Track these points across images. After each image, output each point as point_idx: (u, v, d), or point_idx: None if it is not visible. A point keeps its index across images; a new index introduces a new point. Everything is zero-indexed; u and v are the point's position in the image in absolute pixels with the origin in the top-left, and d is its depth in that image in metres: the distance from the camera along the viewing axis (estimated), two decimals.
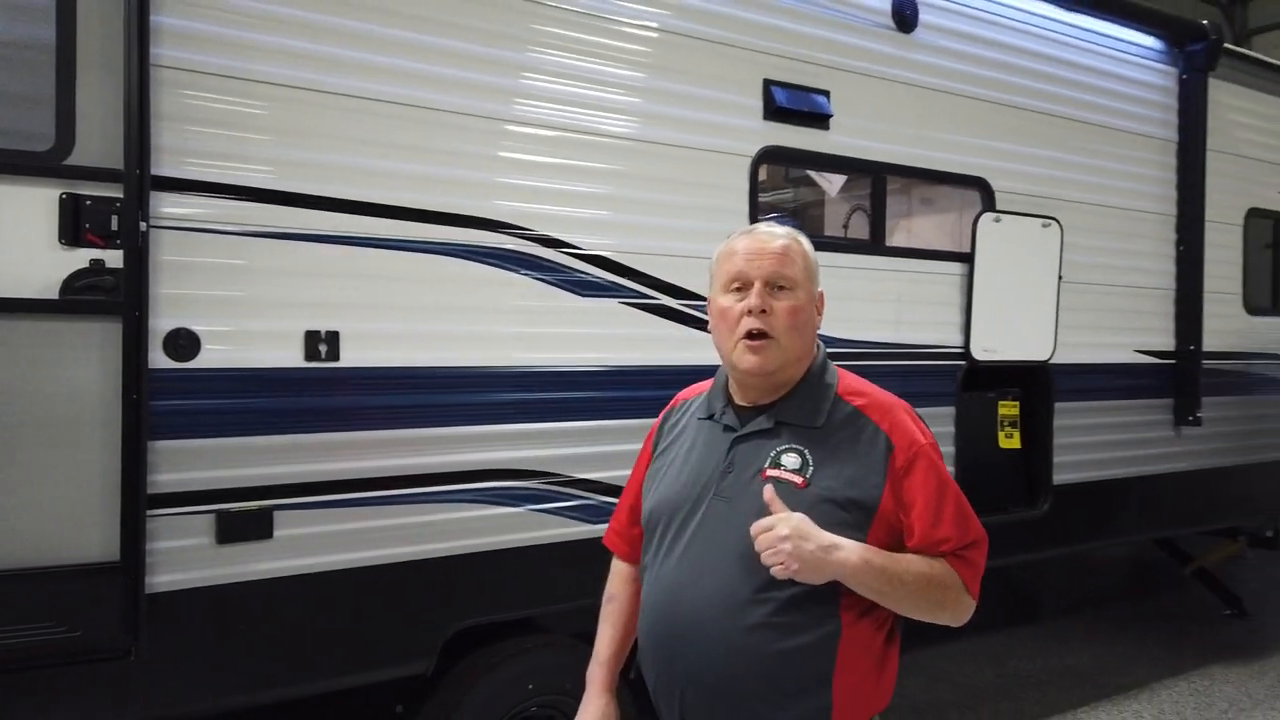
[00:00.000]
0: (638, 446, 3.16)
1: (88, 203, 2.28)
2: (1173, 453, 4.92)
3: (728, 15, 3.39)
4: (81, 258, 2.29)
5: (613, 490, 3.08)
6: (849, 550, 1.59)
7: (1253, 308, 5.37)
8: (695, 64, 3.31)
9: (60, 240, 2.26)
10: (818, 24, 3.63)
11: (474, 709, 2.93)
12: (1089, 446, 4.52)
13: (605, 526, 3.07)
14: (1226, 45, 4.98)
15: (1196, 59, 4.84)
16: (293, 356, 2.60)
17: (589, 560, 3.00)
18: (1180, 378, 4.89)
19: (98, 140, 2.30)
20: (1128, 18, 4.67)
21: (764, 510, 1.60)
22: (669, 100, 3.25)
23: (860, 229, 4.46)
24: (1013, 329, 4.20)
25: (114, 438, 2.30)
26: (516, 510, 2.95)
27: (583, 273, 3.06)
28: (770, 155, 3.54)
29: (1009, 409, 4.35)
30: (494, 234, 2.90)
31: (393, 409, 2.74)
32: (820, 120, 3.61)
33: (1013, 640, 5.69)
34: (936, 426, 1.82)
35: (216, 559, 2.50)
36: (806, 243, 1.80)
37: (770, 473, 1.68)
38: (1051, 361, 4.32)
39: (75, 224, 2.27)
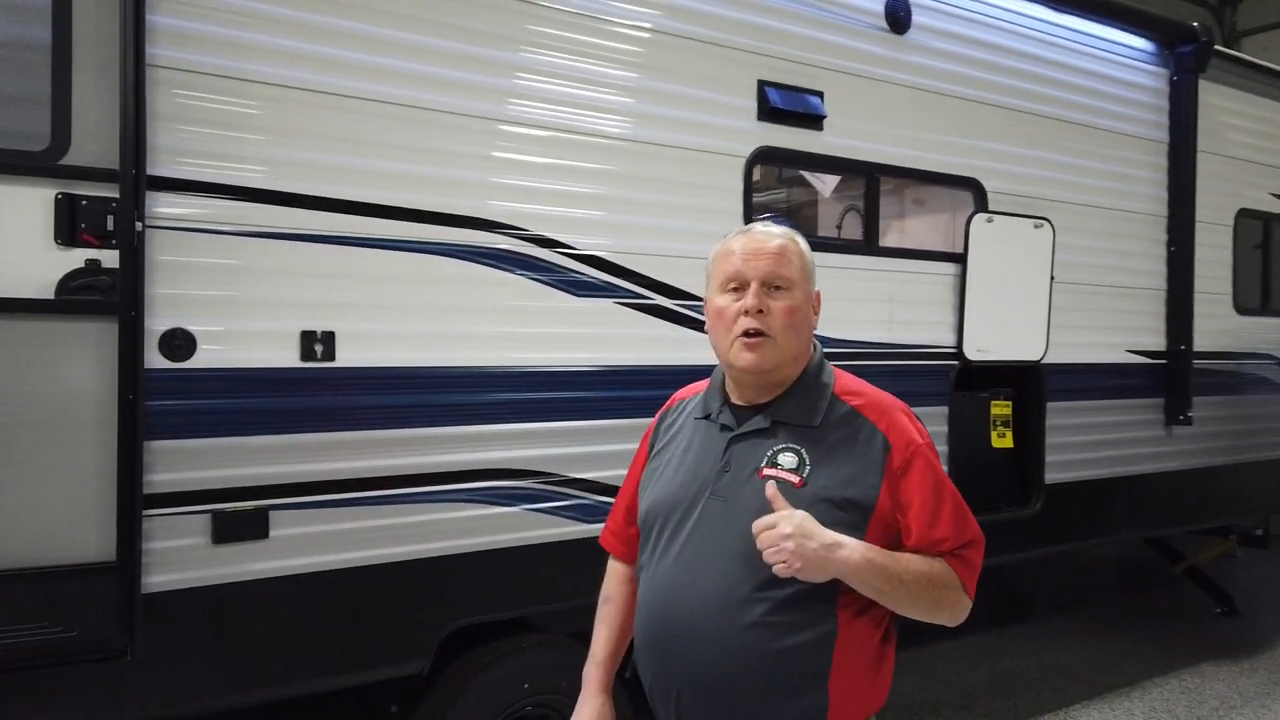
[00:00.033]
0: (633, 446, 3.16)
1: (83, 202, 2.28)
2: (1164, 452, 4.95)
3: (722, 16, 3.40)
4: (77, 258, 2.29)
5: (608, 490, 3.09)
6: (851, 549, 1.59)
7: (1243, 308, 5.41)
8: (690, 65, 3.33)
9: (56, 240, 2.26)
10: (811, 25, 3.64)
11: (469, 708, 2.94)
12: (1081, 446, 4.54)
13: (600, 526, 3.08)
14: (1217, 47, 5.01)
15: (1187, 61, 4.87)
16: (288, 356, 2.60)
17: (584, 560, 3.01)
18: (1171, 377, 4.92)
19: (93, 140, 2.30)
20: (1119, 20, 4.70)
21: (761, 509, 1.60)
22: (663, 101, 3.26)
23: (853, 229, 4.47)
24: (1005, 329, 4.23)
25: (110, 438, 2.30)
26: (511, 510, 2.96)
27: (578, 273, 3.07)
28: (764, 156, 3.55)
29: (1001, 409, 4.37)
30: (489, 234, 2.90)
31: (389, 409, 2.74)
32: (814, 121, 3.63)
33: (1005, 638, 5.71)
34: (930, 426, 1.82)
35: (212, 559, 2.50)
36: (803, 242, 1.80)
37: (767, 472, 1.68)
38: (1044, 361, 4.34)
39: (71, 224, 2.27)
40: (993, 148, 4.21)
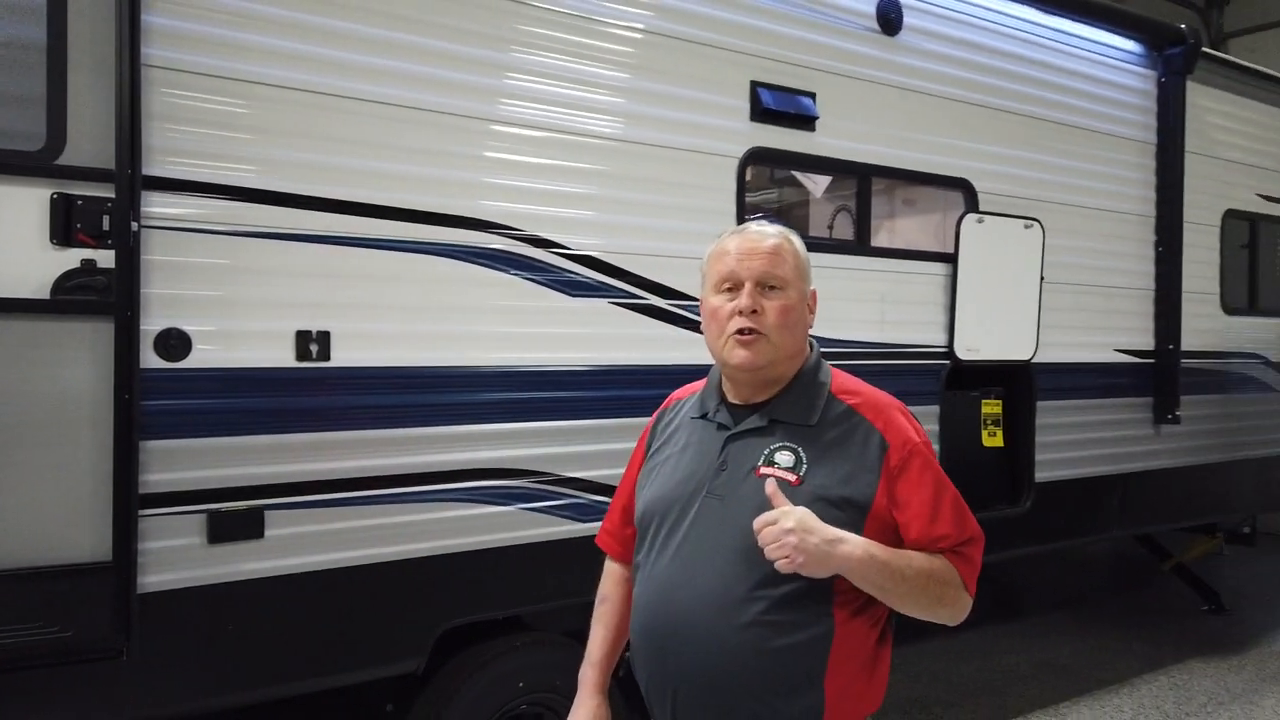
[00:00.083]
0: (627, 445, 3.17)
1: (79, 203, 2.28)
2: (1152, 450, 4.99)
3: (715, 17, 3.42)
4: (73, 258, 2.28)
5: (602, 489, 3.11)
6: (853, 544, 1.59)
7: (1230, 308, 5.45)
8: (683, 66, 3.34)
9: (52, 240, 2.26)
10: (804, 26, 3.66)
11: (464, 707, 2.95)
12: (1070, 444, 4.58)
13: (595, 525, 3.09)
14: (1204, 49, 5.06)
15: (1175, 62, 4.91)
16: (284, 356, 2.60)
17: (578, 559, 3.03)
18: (1159, 377, 4.97)
19: (89, 140, 2.30)
20: (1108, 22, 4.74)
21: (759, 508, 1.60)
22: (657, 102, 3.28)
23: (845, 229, 4.50)
24: (996, 329, 4.26)
25: (105, 438, 2.30)
26: (506, 509, 2.97)
27: (572, 273, 3.08)
28: (757, 156, 3.57)
29: (992, 408, 4.40)
30: (484, 234, 2.91)
31: (384, 408, 2.75)
32: (806, 122, 3.65)
33: (996, 636, 5.75)
34: (922, 425, 1.83)
35: (208, 559, 2.50)
36: (798, 241, 1.80)
37: (764, 470, 1.68)
38: (1034, 361, 4.38)
39: (67, 224, 2.26)
40: (983, 149, 4.23)
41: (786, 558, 1.55)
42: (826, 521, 1.60)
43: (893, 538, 1.67)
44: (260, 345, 2.57)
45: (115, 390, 2.29)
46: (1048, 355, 4.42)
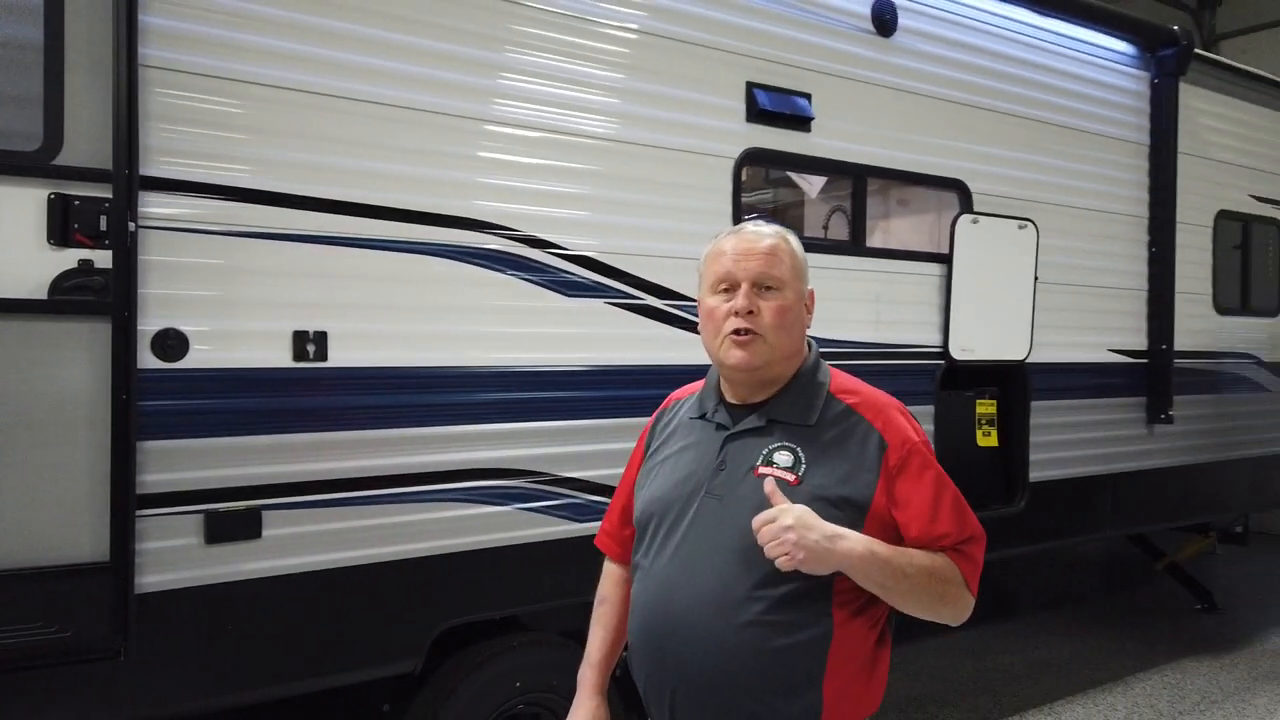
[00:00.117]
0: (624, 445, 3.17)
1: (76, 203, 2.28)
2: (1145, 450, 5.01)
3: (711, 19, 3.43)
4: (70, 258, 2.29)
5: (599, 489, 3.11)
6: (853, 540, 1.58)
7: (1222, 308, 5.48)
8: (679, 67, 3.35)
9: (49, 240, 2.26)
10: (799, 27, 3.67)
11: (461, 707, 2.95)
12: (1064, 444, 4.59)
13: (592, 525, 3.10)
14: (1197, 51, 5.08)
15: (1168, 64, 4.93)
16: (281, 357, 2.60)
17: (575, 559, 3.04)
18: (1152, 376, 4.99)
19: (86, 140, 2.30)
20: (1101, 23, 4.76)
21: (758, 507, 1.60)
22: (654, 103, 3.28)
23: (840, 230, 4.51)
24: (990, 329, 4.27)
25: (103, 438, 2.30)
26: (503, 509, 2.97)
27: (568, 273, 3.09)
28: (753, 157, 3.58)
29: (986, 407, 4.42)
30: (481, 234, 2.92)
31: (381, 409, 2.75)
32: (802, 123, 3.66)
33: (991, 635, 5.76)
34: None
35: (205, 559, 2.50)
36: (795, 241, 1.80)
37: (762, 470, 1.68)
38: (1028, 361, 4.39)
39: (64, 224, 2.27)
40: (978, 149, 4.25)
41: (786, 555, 1.54)
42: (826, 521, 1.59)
43: (893, 537, 1.67)
44: (257, 345, 2.57)
45: (113, 390, 2.29)
46: (1042, 355, 4.44)
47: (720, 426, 1.78)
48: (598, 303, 3.16)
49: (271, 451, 2.59)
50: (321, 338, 2.66)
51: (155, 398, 2.40)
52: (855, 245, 3.97)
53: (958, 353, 4.13)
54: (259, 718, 2.86)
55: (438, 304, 2.85)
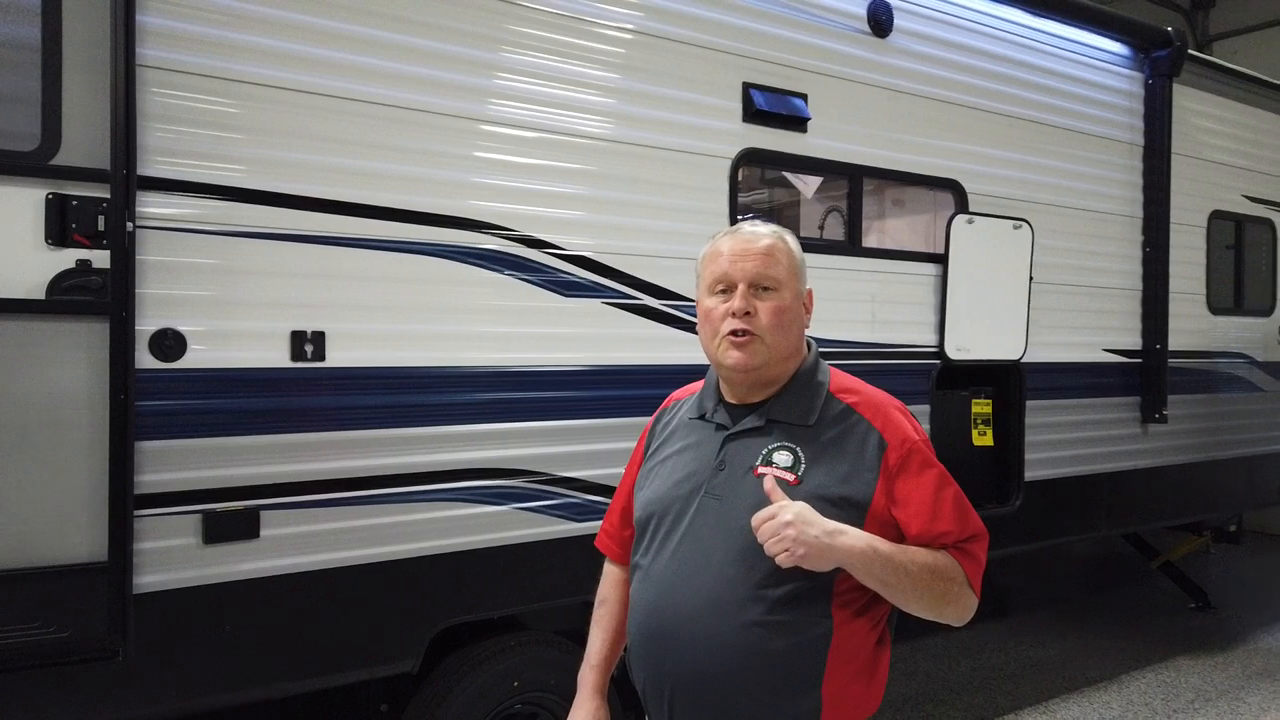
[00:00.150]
0: (621, 445, 3.19)
1: (74, 203, 2.28)
2: (1140, 449, 5.04)
3: (708, 19, 3.43)
4: (68, 258, 2.29)
5: (596, 488, 3.12)
6: (853, 536, 1.58)
7: (1216, 308, 5.50)
8: (676, 67, 3.36)
9: (47, 240, 2.26)
10: (795, 28, 3.68)
11: (459, 706, 2.95)
12: (1059, 444, 4.61)
13: (589, 524, 3.12)
14: (1190, 51, 5.10)
15: (1161, 65, 4.95)
16: (279, 356, 2.60)
17: (572, 558, 3.05)
18: (1147, 376, 5.01)
19: (84, 140, 2.30)
20: (1095, 24, 4.78)
21: (757, 506, 1.60)
22: (651, 103, 3.29)
23: (836, 230, 4.52)
24: (985, 328, 4.29)
25: (101, 438, 2.30)
26: (501, 509, 2.98)
27: (566, 273, 3.09)
28: (750, 157, 3.59)
29: (982, 407, 4.43)
30: (478, 234, 2.92)
31: (379, 408, 2.75)
32: (798, 123, 3.67)
33: (986, 634, 5.78)
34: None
35: (203, 559, 2.50)
36: (792, 240, 1.79)
37: (762, 470, 1.67)
38: (1023, 360, 4.41)
39: (62, 224, 2.27)
40: (973, 150, 4.27)
41: (786, 550, 1.54)
42: None
43: (895, 537, 1.65)
44: (255, 345, 2.57)
45: (111, 391, 2.29)
46: (1037, 355, 4.46)
47: (720, 426, 1.78)
48: (595, 303, 3.16)
49: (269, 451, 2.59)
50: (319, 338, 2.66)
51: (153, 398, 2.40)
52: (851, 245, 3.98)
53: (953, 352, 4.14)
54: (257, 717, 2.86)
55: (436, 304, 2.85)
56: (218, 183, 2.51)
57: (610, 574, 2.02)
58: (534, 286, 3.04)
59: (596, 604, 2.00)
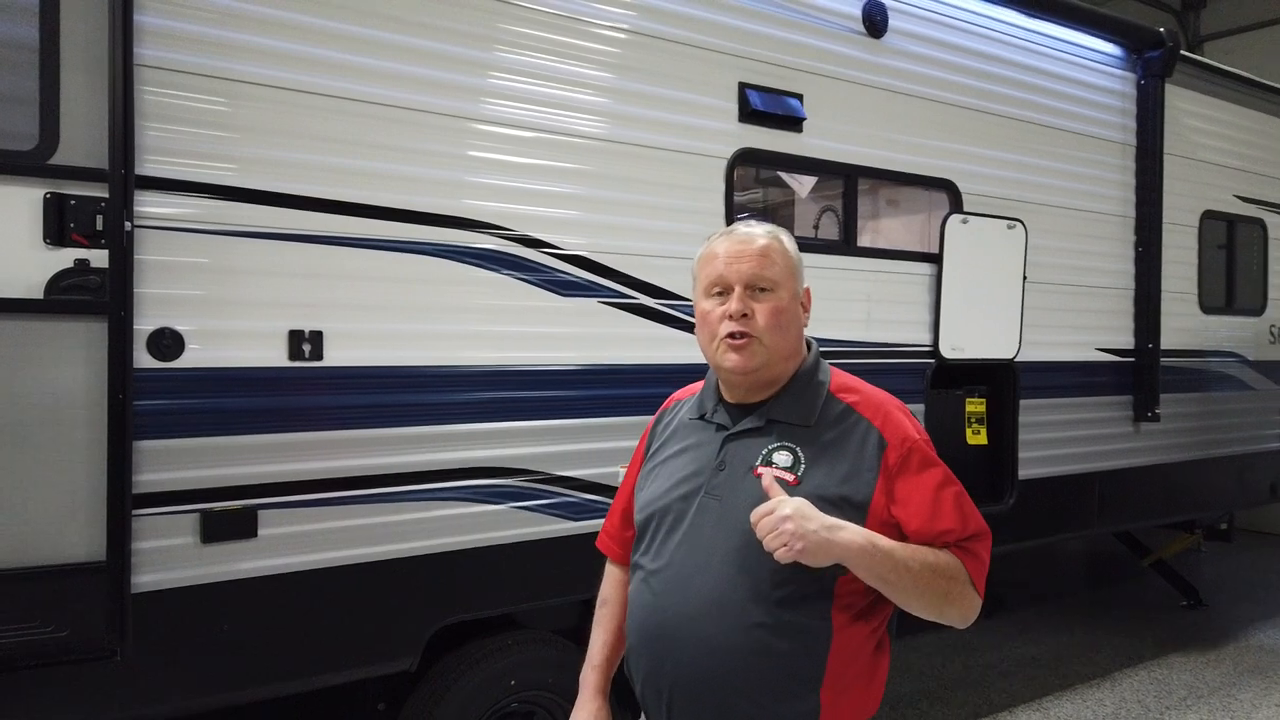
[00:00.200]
0: (618, 444, 3.20)
1: (72, 202, 2.28)
2: (1132, 448, 5.06)
3: (704, 19, 3.44)
4: (66, 257, 2.28)
5: (594, 488, 3.13)
6: (853, 532, 1.56)
7: (1208, 307, 5.53)
8: (673, 68, 3.36)
9: (45, 240, 2.26)
10: (790, 28, 3.69)
11: (456, 705, 2.96)
12: (1052, 442, 4.63)
13: (586, 523, 3.13)
14: (1182, 52, 5.13)
15: (1154, 65, 4.97)
16: (277, 356, 2.61)
17: (570, 557, 3.05)
18: (1139, 375, 5.04)
19: (82, 140, 2.30)
20: (1089, 25, 4.80)
21: (758, 506, 1.59)
22: (647, 103, 3.30)
23: (831, 230, 4.54)
24: (979, 328, 4.30)
25: (99, 438, 2.30)
26: (498, 508, 2.98)
27: (562, 272, 3.10)
28: (746, 157, 3.60)
29: (976, 406, 4.45)
30: (475, 234, 2.93)
31: (376, 408, 2.76)
32: (794, 123, 3.68)
33: (979, 632, 5.80)
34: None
35: (201, 559, 2.50)
36: (788, 240, 1.79)
37: (762, 470, 1.66)
38: (1017, 359, 4.43)
39: (60, 224, 2.27)
40: (967, 150, 4.28)
41: (784, 545, 1.52)
42: None
43: (896, 537, 1.64)
44: (253, 345, 2.57)
45: (109, 390, 2.29)
46: (1030, 354, 4.48)
47: (720, 427, 1.77)
48: (591, 302, 3.17)
49: (267, 451, 2.59)
50: (317, 337, 2.66)
51: (151, 397, 2.41)
52: (846, 245, 3.99)
53: (948, 351, 4.16)
54: (255, 717, 2.86)
55: (433, 303, 2.86)
56: (215, 182, 2.51)
57: (612, 575, 2.01)
58: (531, 286, 3.04)
59: (598, 605, 2.00)
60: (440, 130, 2.87)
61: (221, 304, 2.52)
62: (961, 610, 1.68)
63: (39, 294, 2.25)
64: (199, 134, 2.49)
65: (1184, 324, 5.33)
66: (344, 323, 2.70)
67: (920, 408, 4.10)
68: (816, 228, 4.88)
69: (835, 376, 1.80)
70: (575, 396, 3.13)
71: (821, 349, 1.87)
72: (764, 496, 1.60)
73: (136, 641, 2.36)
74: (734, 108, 3.52)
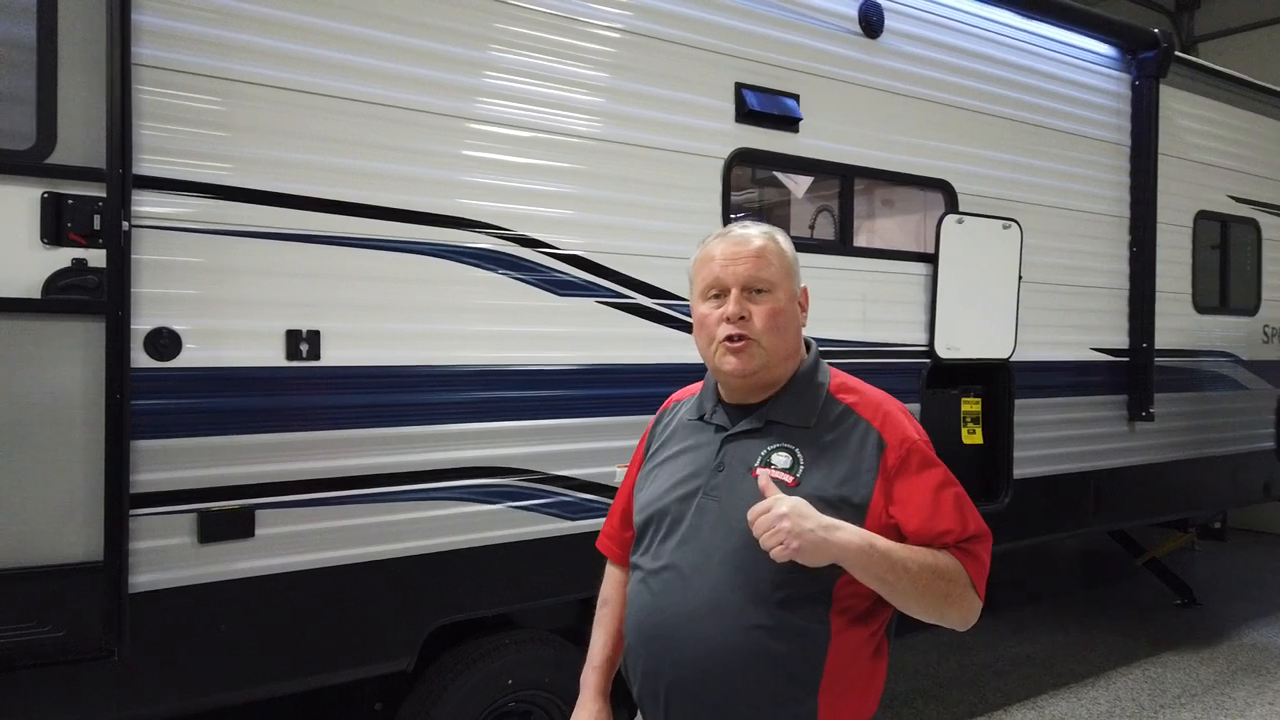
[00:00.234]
0: (615, 444, 3.21)
1: (70, 202, 2.27)
2: (1127, 447, 5.08)
3: (700, 20, 3.45)
4: (64, 257, 2.28)
5: (591, 487, 3.13)
6: (850, 531, 1.55)
7: (1202, 307, 5.56)
8: (670, 68, 3.37)
9: (43, 240, 2.26)
10: (787, 29, 3.70)
11: (453, 705, 2.96)
12: (1047, 442, 4.65)
13: (584, 523, 3.13)
14: (1177, 53, 5.15)
15: (1148, 66, 4.99)
16: (274, 356, 2.61)
17: (567, 557, 3.06)
18: (1134, 375, 5.05)
19: (80, 139, 2.29)
20: (1084, 26, 4.81)
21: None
22: (644, 103, 3.30)
23: (827, 230, 4.55)
24: (975, 328, 4.32)
25: (96, 438, 2.29)
26: (495, 507, 2.98)
27: (560, 272, 3.10)
28: (742, 157, 3.60)
29: (971, 406, 4.46)
30: (472, 234, 2.93)
31: (374, 407, 2.76)
32: (790, 123, 3.69)
33: (974, 631, 5.76)
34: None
35: (198, 558, 2.50)
36: (784, 240, 1.78)
37: (760, 471, 1.65)
38: (1012, 359, 4.44)
39: (58, 223, 2.26)
40: (963, 150, 4.30)
41: (781, 544, 1.51)
42: None
43: (896, 539, 1.63)
44: (250, 344, 2.57)
45: (106, 390, 2.29)
46: (1026, 354, 4.49)
47: (719, 428, 1.77)
48: (588, 302, 3.17)
49: (264, 450, 2.59)
50: (314, 337, 2.66)
51: (148, 397, 2.40)
52: (842, 245, 4.00)
53: (943, 351, 4.17)
54: (252, 717, 2.86)
55: (431, 303, 2.86)
56: (212, 182, 2.51)
57: (612, 575, 2.00)
58: (528, 285, 3.05)
59: (599, 605, 1.99)
60: (437, 130, 2.87)
61: (219, 304, 2.52)
62: (961, 612, 1.67)
63: (36, 293, 2.25)
64: (196, 133, 2.48)
65: (1178, 324, 5.35)
66: (341, 322, 2.70)
67: (916, 407, 4.10)
68: (812, 228, 4.89)
69: (835, 377, 1.80)
70: (572, 396, 3.14)
71: (819, 349, 1.87)
72: (762, 498, 1.60)
73: (134, 641, 2.36)
74: (730, 108, 3.53)
